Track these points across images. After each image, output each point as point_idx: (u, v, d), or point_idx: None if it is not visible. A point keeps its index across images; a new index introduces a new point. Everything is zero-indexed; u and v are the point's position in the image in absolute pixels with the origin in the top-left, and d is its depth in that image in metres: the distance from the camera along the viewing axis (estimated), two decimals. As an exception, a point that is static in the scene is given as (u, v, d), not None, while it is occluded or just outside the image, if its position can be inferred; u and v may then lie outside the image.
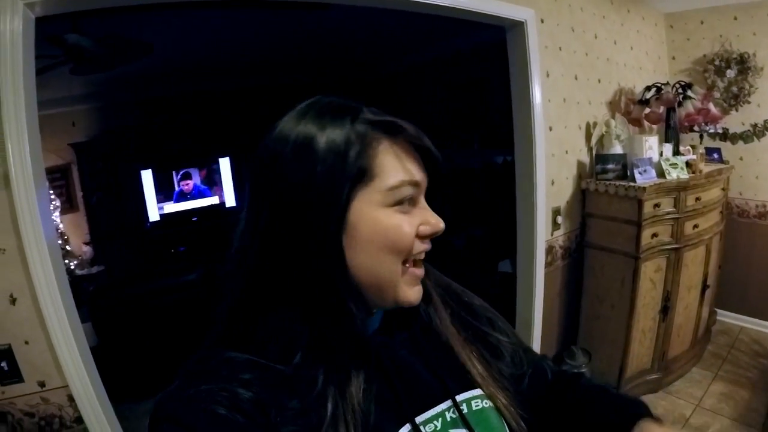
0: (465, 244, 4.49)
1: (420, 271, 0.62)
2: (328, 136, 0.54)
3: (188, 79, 5.12)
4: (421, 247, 0.60)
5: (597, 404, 0.71)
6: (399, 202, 0.57)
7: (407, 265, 0.59)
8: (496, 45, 2.47)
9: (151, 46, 3.28)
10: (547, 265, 2.50)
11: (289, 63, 5.11)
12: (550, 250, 2.51)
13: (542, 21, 2.31)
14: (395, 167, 0.57)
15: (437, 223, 0.60)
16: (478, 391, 0.65)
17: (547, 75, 2.36)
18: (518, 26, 2.23)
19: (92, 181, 5.07)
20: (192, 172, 5.57)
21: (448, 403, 0.61)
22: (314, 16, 3.27)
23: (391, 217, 0.56)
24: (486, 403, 0.64)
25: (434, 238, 0.62)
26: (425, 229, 0.59)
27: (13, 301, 1.25)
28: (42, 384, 1.31)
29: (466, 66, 4.95)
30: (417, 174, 0.59)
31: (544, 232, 2.42)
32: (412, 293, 0.60)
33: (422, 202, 0.61)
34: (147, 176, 5.29)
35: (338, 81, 5.72)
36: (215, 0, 2.54)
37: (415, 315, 0.67)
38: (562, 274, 2.66)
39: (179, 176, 5.49)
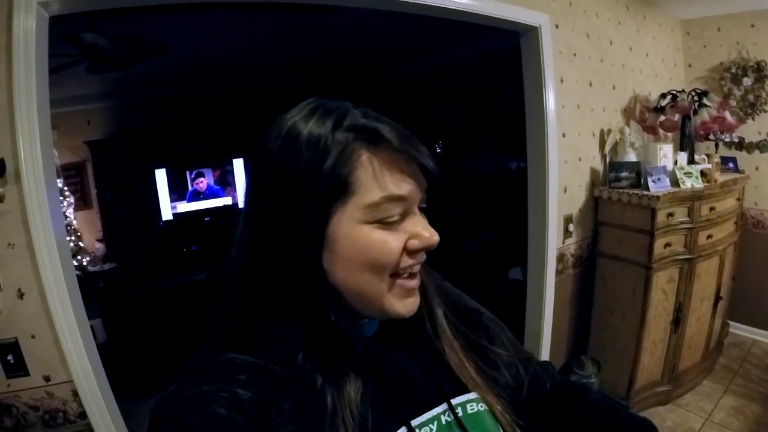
0: (477, 250, 4.46)
1: (412, 283, 0.59)
2: (309, 138, 0.53)
3: (203, 79, 5.16)
4: (410, 262, 0.57)
5: (602, 423, 0.69)
6: (381, 219, 0.54)
7: (395, 279, 0.57)
8: (511, 50, 2.45)
9: (166, 46, 3.31)
10: (558, 273, 2.47)
11: (303, 65, 5.13)
12: (561, 258, 2.49)
13: (557, 26, 2.29)
14: (374, 182, 0.54)
15: (430, 238, 0.57)
16: (473, 395, 0.65)
17: (561, 81, 2.34)
18: (532, 31, 2.21)
19: (106, 178, 5.13)
20: (205, 172, 5.60)
21: (443, 406, 0.61)
22: (328, 18, 3.28)
23: (372, 233, 0.54)
24: (481, 407, 0.64)
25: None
26: (414, 244, 0.57)
27: (21, 295, 1.26)
28: (47, 378, 1.32)
29: (480, 71, 4.94)
30: (402, 188, 0.55)
31: (555, 240, 2.39)
32: (401, 306, 0.58)
33: (415, 214, 0.58)
34: (161, 175, 5.33)
35: (351, 84, 5.73)
36: (229, 2, 2.55)
37: (412, 321, 0.66)
38: (572, 282, 2.63)
39: (193, 175, 5.53)
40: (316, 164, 0.52)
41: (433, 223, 0.60)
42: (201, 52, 4.16)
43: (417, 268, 0.60)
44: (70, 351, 1.30)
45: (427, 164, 0.56)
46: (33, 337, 1.29)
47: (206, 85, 5.30)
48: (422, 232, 0.57)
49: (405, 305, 0.59)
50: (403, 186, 0.55)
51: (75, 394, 1.34)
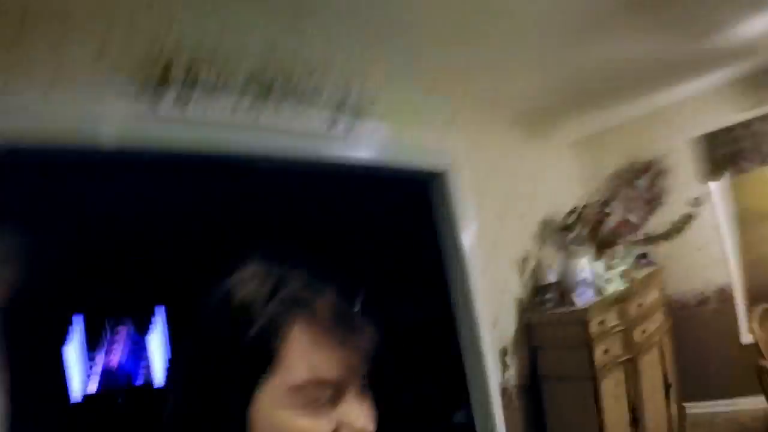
0: (413, 402, 4.23)
1: None
2: (241, 303, 0.48)
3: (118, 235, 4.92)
4: None
5: None
6: (307, 404, 0.46)
7: None
8: (421, 195, 2.46)
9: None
10: (504, 408, 2.37)
11: (222, 222, 5.02)
12: (504, 392, 2.41)
13: (461, 169, 2.33)
14: (300, 361, 0.46)
15: (362, 429, 0.48)
16: None
17: (473, 219, 2.36)
18: (439, 176, 2.24)
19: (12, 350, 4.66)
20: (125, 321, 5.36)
21: None
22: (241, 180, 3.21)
23: (296, 421, 0.45)
24: None
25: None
26: None
27: None
28: None
29: (394, 218, 4.92)
30: (332, 371, 0.47)
31: (496, 377, 2.33)
32: None
33: (350, 394, 0.49)
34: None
35: (271, 238, 5.64)
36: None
37: None
38: (521, 414, 2.53)
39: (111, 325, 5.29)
40: (241, 331, 0.46)
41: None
42: (115, 211, 3.96)
43: None
44: None
45: (366, 342, 0.50)
46: None
47: (118, 240, 5.06)
48: (354, 421, 0.48)
49: None
50: (334, 368, 0.47)
51: None
